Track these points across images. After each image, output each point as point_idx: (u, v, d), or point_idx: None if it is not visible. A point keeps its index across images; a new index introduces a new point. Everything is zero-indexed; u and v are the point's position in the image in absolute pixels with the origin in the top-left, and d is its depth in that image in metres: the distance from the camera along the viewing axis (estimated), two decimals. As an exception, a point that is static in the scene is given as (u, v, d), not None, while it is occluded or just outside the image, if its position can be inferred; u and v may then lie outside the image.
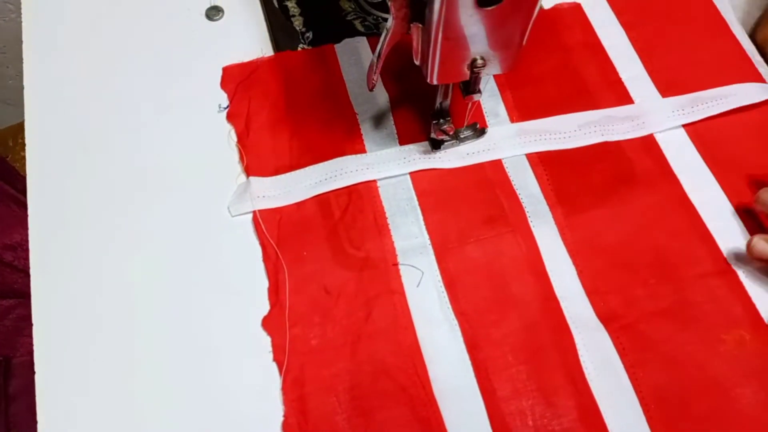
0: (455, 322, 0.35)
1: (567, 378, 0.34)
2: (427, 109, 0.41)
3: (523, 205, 0.39)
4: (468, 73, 0.33)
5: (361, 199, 0.39)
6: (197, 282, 0.37)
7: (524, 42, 0.32)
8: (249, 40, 0.46)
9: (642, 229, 0.38)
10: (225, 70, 0.44)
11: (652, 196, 0.39)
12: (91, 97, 0.44)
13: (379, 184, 0.40)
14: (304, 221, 0.39)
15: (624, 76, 0.44)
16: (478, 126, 0.41)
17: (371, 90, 0.35)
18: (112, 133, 0.42)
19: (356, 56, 0.44)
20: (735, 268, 0.37)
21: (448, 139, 0.40)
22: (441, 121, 0.39)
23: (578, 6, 0.47)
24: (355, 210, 0.39)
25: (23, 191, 0.41)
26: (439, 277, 0.37)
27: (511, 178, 0.40)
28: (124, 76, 0.45)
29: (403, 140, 0.41)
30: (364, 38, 0.45)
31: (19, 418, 0.64)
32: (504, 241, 0.38)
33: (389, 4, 0.30)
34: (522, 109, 0.42)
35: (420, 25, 0.31)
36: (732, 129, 0.41)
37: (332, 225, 0.38)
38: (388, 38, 0.32)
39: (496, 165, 0.40)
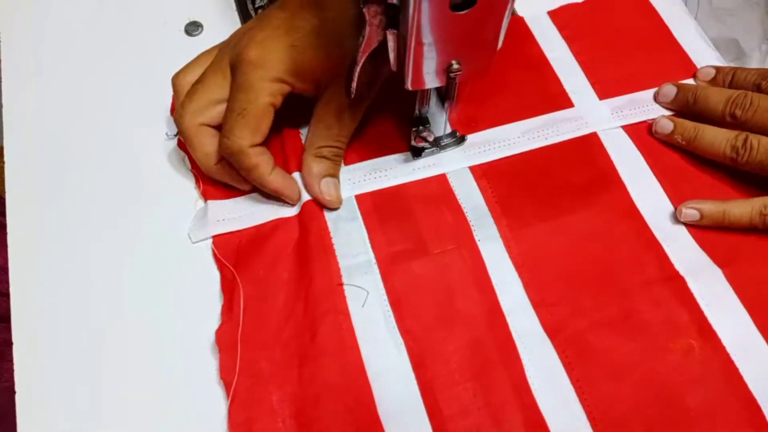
0: (401, 340, 0.35)
1: (513, 393, 0.33)
2: (372, 127, 0.41)
3: (468, 219, 0.39)
4: (444, 78, 0.33)
5: (308, 219, 0.39)
6: (167, 308, 0.37)
7: (499, 45, 0.32)
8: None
9: (588, 238, 0.38)
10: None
11: (597, 204, 0.39)
12: (69, 117, 0.44)
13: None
14: (261, 242, 0.39)
15: (568, 88, 0.44)
16: (458, 133, 0.41)
17: (350, 98, 0.35)
18: (92, 154, 0.43)
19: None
20: (683, 274, 0.36)
21: (428, 146, 0.40)
22: (420, 128, 0.39)
23: (521, 19, 0.47)
24: (303, 230, 0.39)
25: (2, 213, 0.41)
26: (385, 296, 0.36)
27: (455, 192, 0.40)
28: (103, 97, 0.45)
29: (348, 160, 0.41)
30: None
31: (5, 445, 0.63)
32: (449, 257, 0.37)
33: (364, 11, 0.30)
34: (465, 124, 0.42)
35: (395, 32, 0.31)
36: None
37: (282, 246, 0.38)
38: (363, 46, 0.32)
39: (441, 180, 0.40)
